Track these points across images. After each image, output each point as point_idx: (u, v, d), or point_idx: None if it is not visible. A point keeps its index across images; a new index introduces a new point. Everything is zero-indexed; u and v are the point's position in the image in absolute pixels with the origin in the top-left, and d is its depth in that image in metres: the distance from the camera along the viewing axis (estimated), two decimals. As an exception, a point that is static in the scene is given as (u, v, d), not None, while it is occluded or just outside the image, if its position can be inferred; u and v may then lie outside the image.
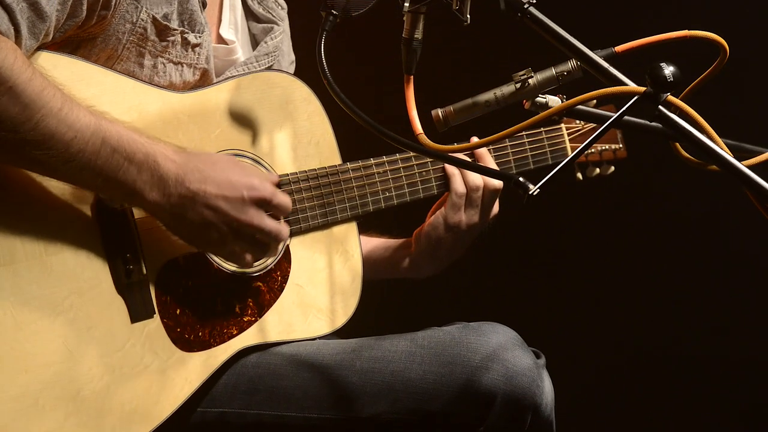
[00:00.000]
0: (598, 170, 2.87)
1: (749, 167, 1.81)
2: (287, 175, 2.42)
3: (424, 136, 1.95)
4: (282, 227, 2.30)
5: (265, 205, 2.26)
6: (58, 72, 2.13)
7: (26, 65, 2.03)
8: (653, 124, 1.90)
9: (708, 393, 3.76)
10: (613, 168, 2.89)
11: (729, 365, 3.73)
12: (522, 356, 2.26)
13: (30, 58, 2.10)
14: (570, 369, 3.17)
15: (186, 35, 2.32)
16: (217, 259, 2.32)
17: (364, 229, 2.64)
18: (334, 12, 2.05)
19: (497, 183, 2.59)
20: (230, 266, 2.33)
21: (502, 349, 2.25)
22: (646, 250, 3.77)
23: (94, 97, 2.18)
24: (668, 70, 1.81)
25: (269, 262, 2.38)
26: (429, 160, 2.58)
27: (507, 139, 2.68)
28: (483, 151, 2.65)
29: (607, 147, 2.87)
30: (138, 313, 2.22)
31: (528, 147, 2.73)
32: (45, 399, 2.10)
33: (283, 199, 2.30)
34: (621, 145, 2.89)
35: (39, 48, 2.13)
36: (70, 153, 2.07)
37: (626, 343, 3.80)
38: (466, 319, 2.37)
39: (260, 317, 2.37)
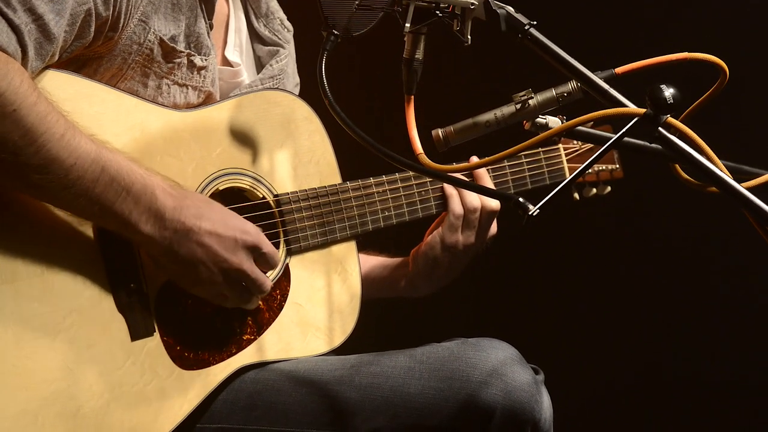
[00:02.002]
0: (594, 190, 2.88)
1: (749, 189, 1.82)
2: (287, 193, 2.42)
3: (425, 156, 1.95)
4: (266, 280, 2.31)
5: (255, 251, 2.27)
6: (61, 90, 2.13)
7: (32, 89, 2.03)
8: (653, 145, 1.90)
9: (707, 411, 3.76)
10: (609, 188, 2.90)
11: (730, 383, 3.73)
12: (521, 372, 2.26)
13: (35, 76, 2.11)
14: (569, 385, 3.18)
15: (192, 58, 2.33)
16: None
17: (362, 247, 2.65)
18: (336, 32, 2.06)
19: (495, 205, 2.60)
20: None
21: (501, 365, 2.25)
22: (644, 269, 3.78)
23: (97, 115, 2.19)
24: (668, 91, 1.81)
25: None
26: (428, 179, 2.59)
27: (505, 160, 2.69)
28: (481, 172, 2.66)
29: (603, 167, 2.88)
30: (138, 331, 2.22)
31: (526, 167, 2.74)
32: (45, 416, 2.10)
33: (273, 250, 2.31)
34: (617, 165, 2.90)
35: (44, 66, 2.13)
36: (70, 179, 2.07)
37: (625, 359, 3.80)
38: (464, 335, 2.37)
39: (259, 336, 2.37)
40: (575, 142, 2.81)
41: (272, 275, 2.38)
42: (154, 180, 2.17)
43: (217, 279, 2.24)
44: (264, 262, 2.30)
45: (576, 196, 2.87)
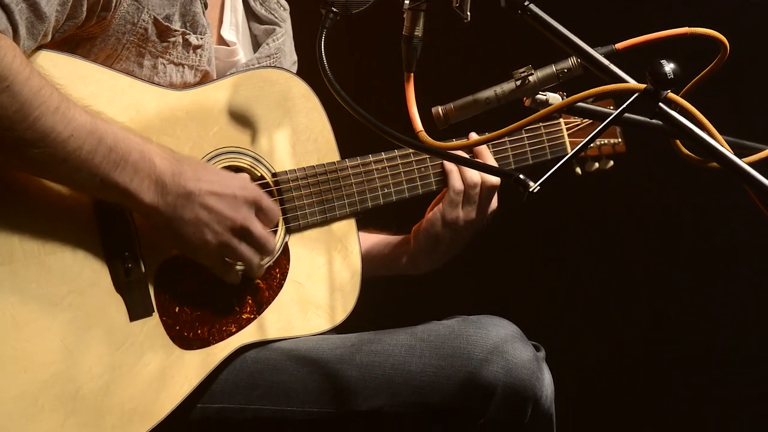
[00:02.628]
0: (597, 165, 2.87)
1: (750, 164, 1.81)
2: (286, 172, 2.41)
3: (424, 134, 1.94)
4: (271, 237, 2.30)
5: (256, 205, 2.27)
6: (56, 70, 2.13)
7: (24, 64, 2.03)
8: (654, 121, 1.90)
9: (707, 389, 3.77)
10: (612, 162, 2.88)
11: (729, 362, 3.74)
12: (522, 349, 2.26)
13: (28, 57, 2.10)
14: (570, 362, 3.18)
15: (187, 36, 2.32)
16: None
17: (363, 225, 2.64)
18: (335, 9, 2.05)
19: (495, 180, 2.59)
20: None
21: (502, 342, 2.25)
22: (645, 245, 3.78)
23: (92, 95, 2.18)
24: (669, 67, 1.80)
25: (267, 259, 2.38)
26: (427, 156, 2.58)
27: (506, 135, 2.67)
28: (482, 148, 2.65)
29: (606, 141, 2.86)
30: (137, 311, 2.21)
31: (527, 142, 2.73)
32: (44, 399, 2.10)
33: (272, 203, 2.31)
34: (620, 140, 2.89)
35: (37, 47, 2.12)
36: (66, 151, 2.07)
37: (626, 336, 3.81)
38: (465, 313, 2.37)
39: (259, 315, 2.37)
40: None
41: (269, 256, 2.37)
42: (150, 147, 2.17)
43: (223, 239, 2.23)
44: (265, 217, 2.30)
45: (578, 170, 2.87)
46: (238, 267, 2.31)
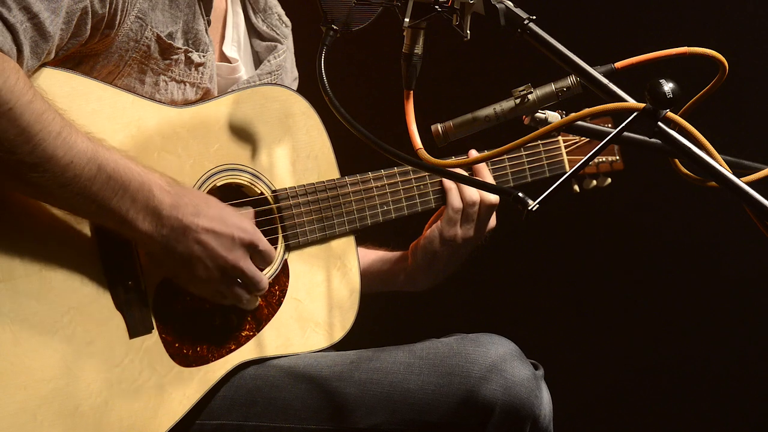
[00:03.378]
0: (594, 182, 2.88)
1: (748, 184, 1.81)
2: (286, 189, 2.42)
3: (424, 151, 1.95)
4: (263, 278, 2.30)
5: (252, 249, 2.27)
6: (57, 88, 2.13)
7: (27, 87, 2.03)
8: (652, 140, 1.90)
9: (708, 409, 3.76)
10: (609, 180, 2.89)
11: (731, 382, 3.73)
12: (520, 367, 2.26)
13: (31, 75, 2.10)
14: (568, 381, 3.18)
15: (190, 54, 2.32)
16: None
17: (361, 241, 2.64)
18: (335, 27, 2.05)
19: (493, 198, 2.60)
20: None
21: (500, 360, 2.25)
22: (644, 263, 3.78)
23: (94, 112, 2.18)
24: (668, 86, 1.81)
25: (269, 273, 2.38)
26: (427, 174, 2.58)
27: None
28: (481, 166, 2.65)
29: (604, 159, 2.87)
30: (136, 328, 2.21)
31: (525, 160, 2.73)
32: (43, 415, 2.10)
33: (269, 247, 2.31)
34: (618, 157, 2.89)
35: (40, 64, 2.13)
36: (66, 177, 2.07)
37: (625, 355, 3.80)
38: (464, 330, 2.37)
39: (258, 332, 2.36)
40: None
41: (270, 272, 2.37)
42: (151, 177, 2.17)
43: (214, 276, 2.23)
44: (260, 259, 2.30)
45: (576, 188, 2.87)
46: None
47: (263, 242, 2.29)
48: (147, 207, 2.15)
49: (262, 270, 2.33)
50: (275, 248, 2.38)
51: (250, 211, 2.36)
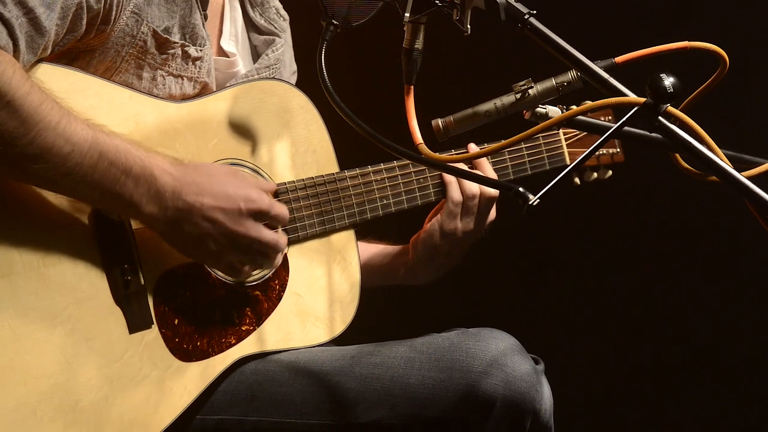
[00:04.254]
0: (595, 175, 2.87)
1: (749, 178, 1.81)
2: (285, 183, 2.41)
3: (424, 146, 1.94)
4: (280, 237, 2.30)
5: (262, 216, 2.26)
6: (55, 83, 2.12)
7: (25, 78, 2.03)
8: (653, 134, 1.89)
9: (710, 402, 3.76)
10: (610, 172, 2.88)
11: (734, 375, 3.74)
12: (521, 362, 2.26)
13: (28, 70, 2.10)
14: (569, 375, 3.17)
15: (187, 48, 2.32)
16: (215, 270, 2.31)
17: (362, 235, 2.64)
18: (335, 22, 2.05)
19: (493, 191, 2.59)
20: (228, 277, 2.33)
21: (501, 355, 2.25)
22: (645, 256, 3.77)
23: (92, 108, 2.18)
24: (668, 81, 1.80)
25: (267, 272, 2.38)
26: (426, 168, 2.58)
27: (504, 146, 2.67)
28: (481, 159, 2.64)
29: (604, 151, 2.86)
30: (136, 323, 2.21)
31: (525, 153, 2.73)
32: (43, 410, 2.10)
33: (281, 209, 2.30)
34: (618, 150, 2.89)
35: (36, 60, 2.12)
36: (68, 167, 2.07)
37: (625, 349, 3.80)
38: (464, 325, 2.37)
39: (258, 326, 2.36)
40: (574, 129, 2.79)
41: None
42: (153, 160, 2.16)
43: (226, 250, 2.23)
44: (275, 222, 2.30)
45: (577, 180, 2.87)
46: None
47: (274, 206, 2.27)
48: (150, 191, 2.15)
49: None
50: None
51: (254, 182, 2.32)
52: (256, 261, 2.29)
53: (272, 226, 2.29)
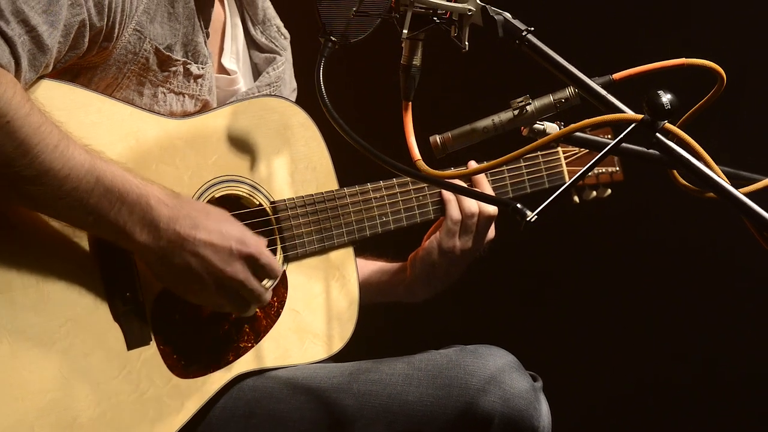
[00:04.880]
0: (594, 193, 2.87)
1: (746, 195, 1.82)
2: (284, 200, 2.41)
3: (423, 163, 1.95)
4: (263, 291, 2.29)
5: (253, 261, 2.25)
6: (56, 100, 2.13)
7: (25, 100, 2.03)
8: (651, 151, 1.90)
9: (707, 418, 3.75)
10: (609, 191, 2.89)
11: (730, 391, 3.73)
12: (519, 379, 2.25)
13: (29, 86, 2.10)
14: (567, 392, 3.17)
15: (188, 66, 2.32)
16: None
17: (360, 252, 2.64)
18: (333, 38, 2.05)
19: (492, 210, 2.59)
20: None
21: (499, 372, 2.25)
22: (643, 273, 3.78)
23: (93, 125, 2.18)
24: (666, 97, 1.81)
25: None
26: (425, 185, 2.58)
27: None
28: (480, 177, 2.65)
29: (603, 170, 2.87)
30: (134, 340, 2.21)
31: (525, 171, 2.73)
32: (41, 427, 2.09)
33: (272, 260, 2.29)
34: (617, 168, 2.89)
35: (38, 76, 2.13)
36: (64, 190, 2.07)
37: (624, 366, 3.79)
38: (462, 342, 2.37)
39: (257, 343, 2.36)
40: (573, 146, 2.80)
41: (269, 283, 2.37)
42: (149, 189, 2.16)
43: (211, 289, 2.22)
44: (263, 272, 2.28)
45: (576, 199, 2.87)
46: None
47: (265, 255, 2.27)
48: (144, 219, 2.15)
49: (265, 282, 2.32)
50: None
51: (247, 231, 2.32)
52: (237, 305, 2.28)
53: (260, 278, 2.29)
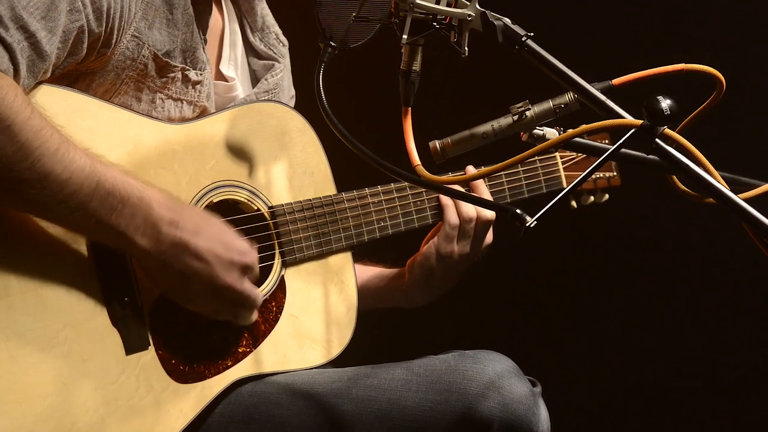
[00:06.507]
0: (592, 198, 2.87)
1: (746, 200, 1.81)
2: (282, 205, 2.41)
3: (422, 168, 1.95)
4: (257, 294, 2.29)
5: (249, 272, 2.26)
6: (54, 104, 2.13)
7: (25, 103, 2.03)
8: (650, 156, 1.90)
9: (705, 419, 3.75)
10: (607, 196, 2.89)
11: (729, 396, 3.73)
12: (518, 384, 2.26)
13: (28, 92, 2.10)
14: (566, 398, 3.16)
15: (187, 72, 2.32)
16: None
17: (359, 257, 2.64)
18: (333, 44, 2.06)
19: (490, 215, 2.59)
20: None
21: (498, 377, 2.25)
22: (641, 278, 3.78)
23: (90, 129, 2.18)
24: (665, 103, 1.81)
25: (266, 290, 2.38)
26: (424, 190, 2.58)
27: (501, 169, 2.68)
28: (478, 182, 2.65)
29: (601, 175, 2.87)
30: (133, 345, 2.20)
31: (523, 176, 2.73)
32: (40, 432, 2.09)
33: (257, 271, 2.30)
34: (615, 173, 2.90)
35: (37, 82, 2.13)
36: (65, 194, 2.06)
37: (623, 371, 3.79)
38: (461, 347, 2.37)
39: (255, 348, 2.36)
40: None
41: (267, 288, 2.37)
42: (150, 193, 2.16)
43: (207, 296, 2.22)
44: (252, 277, 2.29)
45: (573, 204, 2.87)
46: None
47: (257, 267, 2.28)
48: (145, 223, 2.15)
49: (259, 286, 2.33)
50: (272, 264, 2.38)
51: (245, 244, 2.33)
52: (233, 314, 2.28)
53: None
